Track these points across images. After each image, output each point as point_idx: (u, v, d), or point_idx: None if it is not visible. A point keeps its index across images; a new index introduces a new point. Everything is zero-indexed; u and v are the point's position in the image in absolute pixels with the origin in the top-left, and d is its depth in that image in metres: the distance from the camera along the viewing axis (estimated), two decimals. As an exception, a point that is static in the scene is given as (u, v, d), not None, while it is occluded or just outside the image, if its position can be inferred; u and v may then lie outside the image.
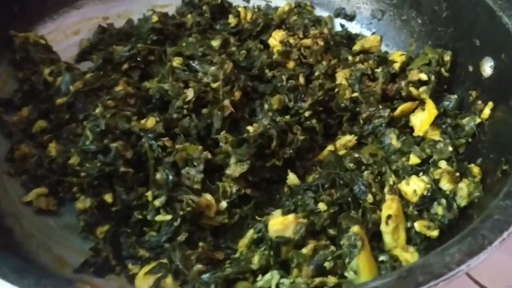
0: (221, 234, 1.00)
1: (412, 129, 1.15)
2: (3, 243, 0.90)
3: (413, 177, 0.99)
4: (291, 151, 1.08)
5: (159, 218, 0.96)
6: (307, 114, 1.13)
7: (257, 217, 1.00)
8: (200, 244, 0.94)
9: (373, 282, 0.62)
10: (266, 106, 1.13)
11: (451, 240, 0.68)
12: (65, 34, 1.31)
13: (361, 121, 1.16)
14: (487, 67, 1.09)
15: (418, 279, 0.61)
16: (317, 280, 0.83)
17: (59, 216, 1.02)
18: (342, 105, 1.17)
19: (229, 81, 1.12)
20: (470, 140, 1.08)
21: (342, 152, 1.11)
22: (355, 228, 0.88)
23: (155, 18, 1.27)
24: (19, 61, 1.18)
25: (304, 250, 0.87)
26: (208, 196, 0.99)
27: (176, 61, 1.17)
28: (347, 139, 1.14)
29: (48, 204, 1.01)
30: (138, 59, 1.21)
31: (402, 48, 1.33)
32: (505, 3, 1.07)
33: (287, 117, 1.11)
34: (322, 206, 0.95)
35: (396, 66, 1.21)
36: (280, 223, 0.89)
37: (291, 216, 0.90)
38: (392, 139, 1.11)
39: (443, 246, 0.67)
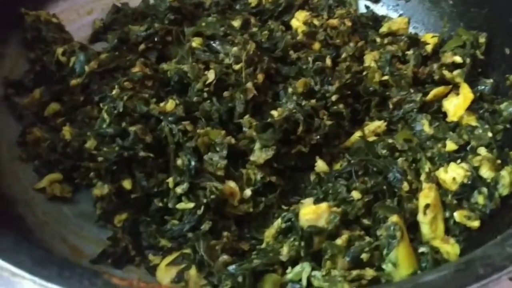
0: (245, 223, 0.95)
1: (444, 115, 1.09)
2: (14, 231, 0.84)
3: (452, 164, 0.93)
4: (318, 137, 1.02)
5: (181, 206, 0.91)
6: (334, 98, 1.07)
7: (283, 206, 0.95)
8: (225, 234, 0.89)
9: (428, 275, 0.56)
10: (290, 90, 1.07)
11: (509, 231, 0.62)
12: (78, 14, 1.26)
13: (391, 106, 1.10)
14: (527, 49, 1.03)
15: (478, 272, 0.56)
16: (354, 272, 0.77)
17: (74, 203, 0.98)
18: (371, 88, 1.11)
19: (252, 63, 1.06)
20: (508, 126, 1.02)
21: (371, 139, 1.05)
22: (394, 218, 0.82)
23: (172, -4, 1.21)
24: (30, 41, 1.13)
25: (339, 241, 0.82)
26: (231, 184, 0.94)
27: (196, 42, 1.11)
28: (376, 125, 1.08)
29: (63, 191, 0.97)
30: (156, 39, 1.16)
31: (431, 30, 1.26)
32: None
33: (313, 101, 1.05)
34: (356, 194, 0.89)
35: (428, 48, 1.16)
36: (313, 212, 0.83)
37: (324, 205, 0.84)
38: (424, 125, 1.05)
39: (501, 236, 0.61)
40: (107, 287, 0.51)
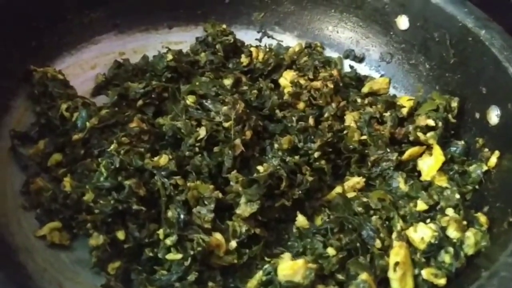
0: (230, 273, 1.01)
1: (419, 173, 1.17)
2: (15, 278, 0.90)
3: (421, 224, 1.00)
4: (300, 192, 1.10)
5: (170, 256, 0.97)
6: (316, 155, 1.16)
7: (266, 258, 1.02)
8: (210, 284, 0.96)
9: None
10: (276, 146, 1.15)
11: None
12: (82, 69, 1.33)
13: (369, 164, 1.18)
14: (494, 116, 1.11)
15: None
16: (325, 324, 0.84)
17: (71, 250, 1.03)
18: (351, 147, 1.19)
19: (240, 121, 1.15)
20: (477, 187, 1.09)
21: (350, 194, 1.12)
22: (364, 276, 0.89)
23: (169, 56, 1.30)
24: (37, 95, 1.20)
25: (313, 295, 0.89)
26: (218, 236, 1.01)
27: (190, 100, 1.19)
28: (355, 181, 1.16)
29: (61, 239, 1.03)
30: (153, 96, 1.24)
31: (410, 91, 1.35)
32: (511, 54, 1.09)
33: (297, 157, 1.14)
34: (331, 251, 0.96)
35: (404, 111, 1.24)
36: (290, 268, 0.90)
37: (300, 261, 0.91)
38: (400, 183, 1.13)
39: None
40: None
